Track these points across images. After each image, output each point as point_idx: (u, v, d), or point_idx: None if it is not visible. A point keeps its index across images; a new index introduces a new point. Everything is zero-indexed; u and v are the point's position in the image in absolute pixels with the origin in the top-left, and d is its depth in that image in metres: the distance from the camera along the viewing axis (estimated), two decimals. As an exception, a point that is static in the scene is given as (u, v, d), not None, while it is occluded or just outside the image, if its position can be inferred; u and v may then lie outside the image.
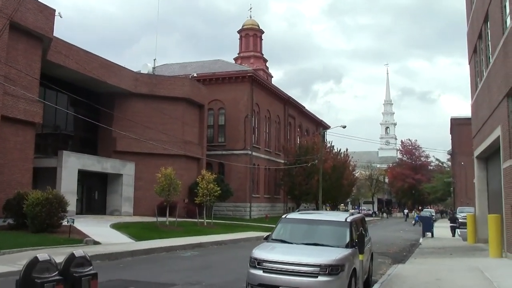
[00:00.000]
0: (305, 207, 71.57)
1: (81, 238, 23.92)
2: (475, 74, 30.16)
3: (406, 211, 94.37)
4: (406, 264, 20.15)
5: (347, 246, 12.21)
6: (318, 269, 10.99)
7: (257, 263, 11.58)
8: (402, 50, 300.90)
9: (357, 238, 12.33)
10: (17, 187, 28.39)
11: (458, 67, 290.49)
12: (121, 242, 25.25)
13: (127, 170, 44.20)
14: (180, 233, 31.67)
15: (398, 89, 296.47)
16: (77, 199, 39.13)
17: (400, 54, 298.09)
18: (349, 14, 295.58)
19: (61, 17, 32.76)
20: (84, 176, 40.96)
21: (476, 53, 29.35)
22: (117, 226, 31.40)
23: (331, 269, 10.98)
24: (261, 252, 11.92)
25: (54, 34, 34.01)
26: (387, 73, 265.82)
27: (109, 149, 45.08)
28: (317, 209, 60.03)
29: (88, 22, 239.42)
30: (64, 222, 25.49)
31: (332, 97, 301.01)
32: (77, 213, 38.14)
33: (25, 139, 31.66)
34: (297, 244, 12.48)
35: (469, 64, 32.81)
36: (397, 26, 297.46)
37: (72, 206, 36.51)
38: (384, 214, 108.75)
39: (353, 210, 72.95)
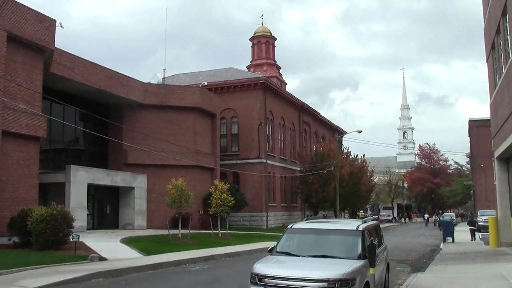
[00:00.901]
0: (323, 214, 70.49)
1: (86, 255, 22.94)
2: (494, 72, 29.04)
3: (426, 215, 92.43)
4: (425, 273, 18.96)
5: (359, 258, 11.13)
6: (325, 284, 9.95)
7: (258, 279, 10.56)
8: (417, 56, 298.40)
9: (367, 249, 11.12)
10: (21, 204, 27.49)
11: (474, 71, 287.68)
12: (129, 257, 24.27)
13: (139, 182, 43.31)
14: (192, 246, 30.67)
15: (414, 94, 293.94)
16: (88, 214, 38.38)
17: (416, 59, 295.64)
18: (362, 21, 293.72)
19: (62, 27, 32.03)
20: (95, 191, 40.29)
21: (494, 49, 28.23)
22: (128, 241, 30.45)
23: (340, 284, 9.93)
24: (263, 267, 10.87)
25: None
26: (403, 77, 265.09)
27: (120, 162, 44.35)
28: (335, 216, 58.86)
29: (102, 36, 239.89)
30: (70, 239, 24.60)
31: (348, 104, 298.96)
32: (88, 229, 37.51)
33: (29, 155, 30.80)
34: (303, 256, 11.43)
35: (486, 62, 31.70)
36: (411, 32, 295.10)
37: (82, 221, 35.96)
38: (403, 219, 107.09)
39: (367, 217, 70.54)
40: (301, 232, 12.54)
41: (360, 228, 12.01)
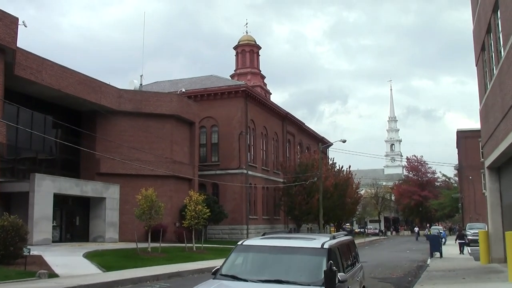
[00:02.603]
0: (307, 228, 68.55)
1: (36, 271, 20.73)
2: (484, 75, 27.23)
3: (416, 229, 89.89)
4: (409, 295, 16.89)
5: (323, 284, 8.49)
6: None
7: (191, 312, 8.35)
8: (405, 70, 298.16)
9: (324, 277, 8.33)
10: (-25, 215, 25.26)
11: (461, 86, 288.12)
12: (86, 273, 22.05)
13: (111, 193, 41.07)
14: (161, 261, 28.46)
15: (403, 107, 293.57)
16: (54, 226, 36.19)
17: (404, 73, 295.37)
18: (351, 35, 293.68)
19: (25, 26, 29.97)
20: (63, 201, 38.20)
21: (484, 51, 26.42)
22: (91, 255, 28.30)
23: None
24: None
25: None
26: (391, 89, 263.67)
27: (93, 171, 42.30)
28: (319, 229, 56.76)
29: (91, 49, 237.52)
30: (26, 252, 22.38)
31: (337, 117, 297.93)
32: (55, 241, 35.59)
33: (-13, 162, 28.64)
34: (253, 281, 9.05)
35: (476, 65, 29.91)
36: (399, 46, 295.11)
37: (47, 234, 33.95)
38: (388, 233, 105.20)
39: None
40: (254, 250, 10.16)
41: (325, 246, 9.58)
